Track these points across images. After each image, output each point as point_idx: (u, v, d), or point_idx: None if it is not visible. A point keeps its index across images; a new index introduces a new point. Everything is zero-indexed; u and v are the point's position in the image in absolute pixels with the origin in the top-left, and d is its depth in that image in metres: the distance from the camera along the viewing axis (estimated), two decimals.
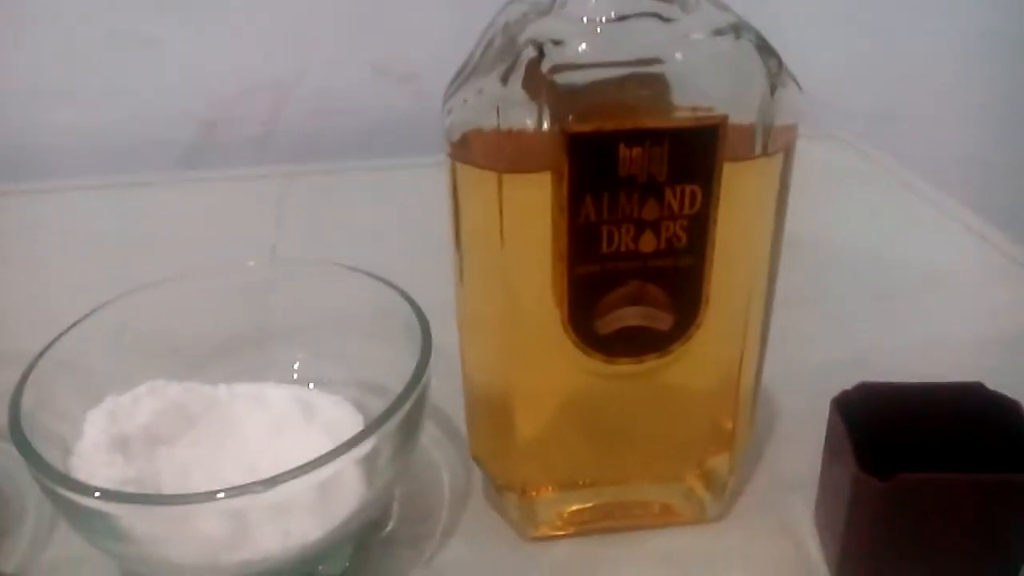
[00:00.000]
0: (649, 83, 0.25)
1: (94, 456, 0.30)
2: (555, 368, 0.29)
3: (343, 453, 0.28)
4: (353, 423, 0.34)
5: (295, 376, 0.36)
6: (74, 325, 0.32)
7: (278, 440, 0.34)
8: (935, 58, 0.67)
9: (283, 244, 0.53)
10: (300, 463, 0.29)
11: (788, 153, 0.27)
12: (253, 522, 0.28)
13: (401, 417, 0.29)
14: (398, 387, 0.33)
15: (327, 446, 0.32)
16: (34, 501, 0.35)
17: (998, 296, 0.47)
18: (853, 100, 0.63)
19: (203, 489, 0.30)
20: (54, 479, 0.27)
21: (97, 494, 0.27)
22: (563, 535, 0.33)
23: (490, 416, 0.32)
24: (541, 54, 0.24)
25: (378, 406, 0.34)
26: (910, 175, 0.59)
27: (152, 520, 0.28)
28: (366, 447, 0.29)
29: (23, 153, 0.62)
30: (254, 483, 0.27)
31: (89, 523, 0.28)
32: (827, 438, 0.31)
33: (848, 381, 0.31)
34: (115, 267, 0.51)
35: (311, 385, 0.36)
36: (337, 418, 0.35)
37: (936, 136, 0.67)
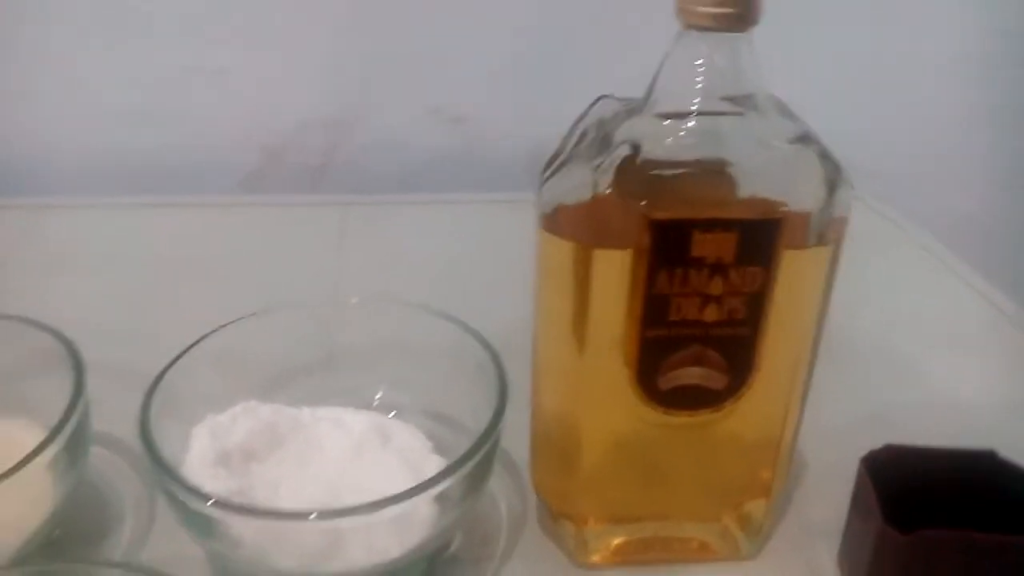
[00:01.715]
0: (723, 178, 0.29)
1: (201, 469, 0.34)
2: (618, 417, 0.33)
3: (425, 490, 0.32)
4: (423, 450, 0.38)
5: (373, 403, 0.40)
6: (185, 351, 0.36)
7: (357, 461, 0.38)
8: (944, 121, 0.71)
9: (340, 270, 0.57)
10: (379, 486, 0.32)
11: (839, 242, 0.31)
12: (344, 539, 0.32)
13: (477, 460, 0.33)
14: (465, 418, 0.37)
15: (401, 470, 0.36)
16: (131, 504, 0.39)
17: (1007, 361, 0.51)
18: (871, 161, 0.67)
19: (291, 503, 0.34)
20: (181, 487, 0.31)
21: (210, 503, 0.31)
22: (611, 564, 0.36)
23: (555, 454, 0.35)
24: (635, 151, 0.28)
25: (445, 433, 0.38)
26: (925, 236, 0.63)
27: (259, 529, 0.31)
28: (444, 484, 0.32)
29: (99, 171, 0.66)
30: (351, 507, 0.31)
31: (207, 529, 0.31)
32: (855, 492, 0.35)
33: (869, 439, 0.35)
34: (182, 284, 0.55)
35: (391, 414, 0.39)
36: (409, 445, 0.38)
37: (946, 197, 0.70)
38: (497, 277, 0.53)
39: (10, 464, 0.32)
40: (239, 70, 0.65)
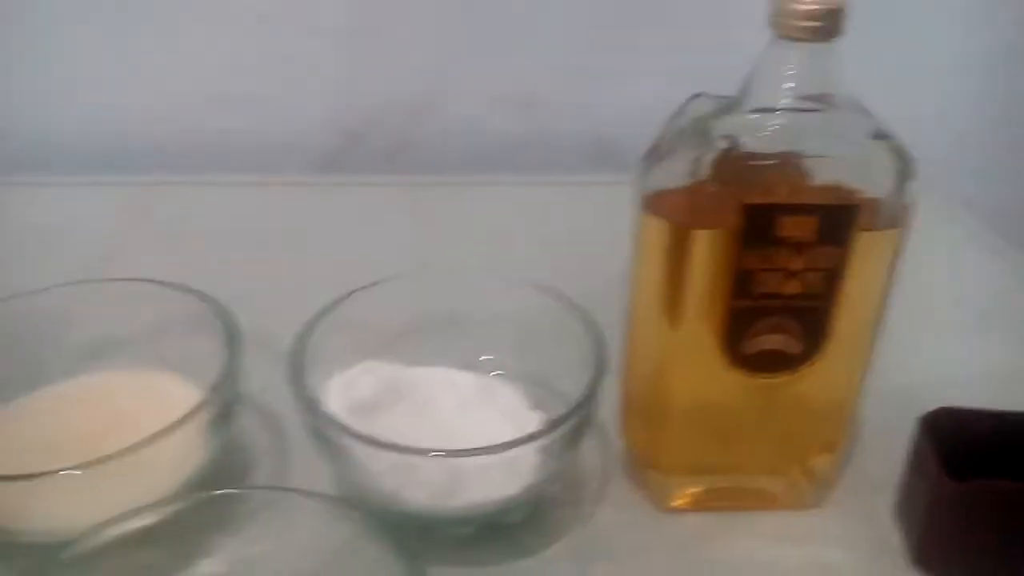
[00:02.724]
0: (807, 168, 0.33)
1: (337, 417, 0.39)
2: (705, 380, 0.37)
3: (536, 438, 0.37)
4: (524, 407, 0.43)
5: (478, 366, 0.45)
6: (319, 316, 0.41)
7: (466, 415, 0.43)
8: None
9: (418, 246, 0.62)
10: (487, 436, 0.37)
11: (906, 226, 0.35)
12: (464, 478, 0.37)
13: (579, 416, 0.38)
14: (561, 380, 0.42)
15: (505, 424, 0.41)
16: (267, 455, 0.44)
17: None
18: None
19: None
20: (331, 424, 0.36)
21: (357, 437, 0.36)
22: (691, 509, 0.41)
23: (646, 413, 0.40)
24: (732, 144, 0.32)
25: (541, 393, 0.43)
26: (972, 221, 0.67)
27: (394, 464, 0.36)
28: (552, 435, 0.37)
29: (187, 151, 0.71)
30: (472, 448, 0.36)
31: (349, 463, 0.37)
32: (912, 448, 0.39)
33: (925, 402, 0.39)
34: (275, 257, 0.60)
35: (495, 371, 0.44)
36: (512, 402, 0.43)
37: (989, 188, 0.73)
38: (565, 253, 0.58)
39: (167, 417, 0.36)
40: (322, 57, 0.69)
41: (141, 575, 0.35)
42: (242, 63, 0.69)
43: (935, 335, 0.54)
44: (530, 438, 0.37)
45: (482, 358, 0.45)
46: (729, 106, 0.34)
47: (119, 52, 0.68)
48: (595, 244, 0.59)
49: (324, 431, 0.36)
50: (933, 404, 0.39)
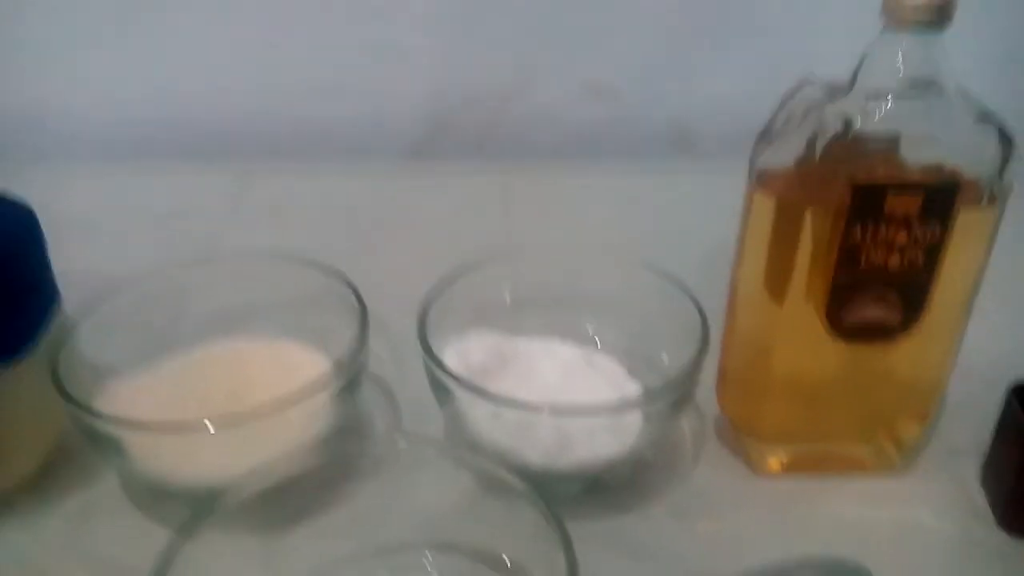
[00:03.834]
0: (913, 149, 0.35)
1: None
2: (806, 351, 0.40)
3: (637, 405, 0.40)
4: (622, 375, 0.46)
5: (586, 336, 0.47)
6: (440, 289, 0.44)
7: (569, 381, 0.45)
8: None
9: (507, 228, 0.65)
10: (590, 400, 0.40)
11: (1004, 205, 0.37)
12: (572, 438, 0.40)
13: (681, 387, 0.40)
14: (658, 352, 0.45)
15: (606, 390, 0.44)
16: (379, 417, 0.47)
17: None
18: None
19: None
20: (463, 384, 0.39)
21: (484, 399, 0.39)
22: (783, 473, 0.44)
23: (746, 383, 0.43)
24: (846, 127, 0.34)
25: (642, 366, 0.46)
26: None
27: (512, 420, 0.39)
28: (652, 404, 0.40)
29: (284, 139, 0.74)
30: (580, 408, 0.39)
31: (471, 424, 0.40)
32: (1001, 417, 0.41)
33: (1009, 375, 0.41)
34: (370, 239, 0.64)
35: (597, 343, 0.47)
36: (611, 370, 0.46)
37: None
38: (653, 236, 0.60)
39: (296, 383, 0.39)
40: (411, 45, 0.72)
41: (284, 523, 0.38)
42: (333, 52, 0.72)
43: (1022, 311, 0.55)
44: (636, 403, 0.40)
45: (584, 331, 0.48)
46: (840, 91, 0.36)
47: (221, 40, 0.71)
48: (679, 228, 0.61)
49: (448, 388, 0.39)
50: (1018, 376, 0.41)
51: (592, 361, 0.46)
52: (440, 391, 0.40)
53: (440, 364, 0.39)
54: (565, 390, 0.45)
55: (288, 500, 0.38)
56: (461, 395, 0.39)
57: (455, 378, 0.39)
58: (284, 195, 0.69)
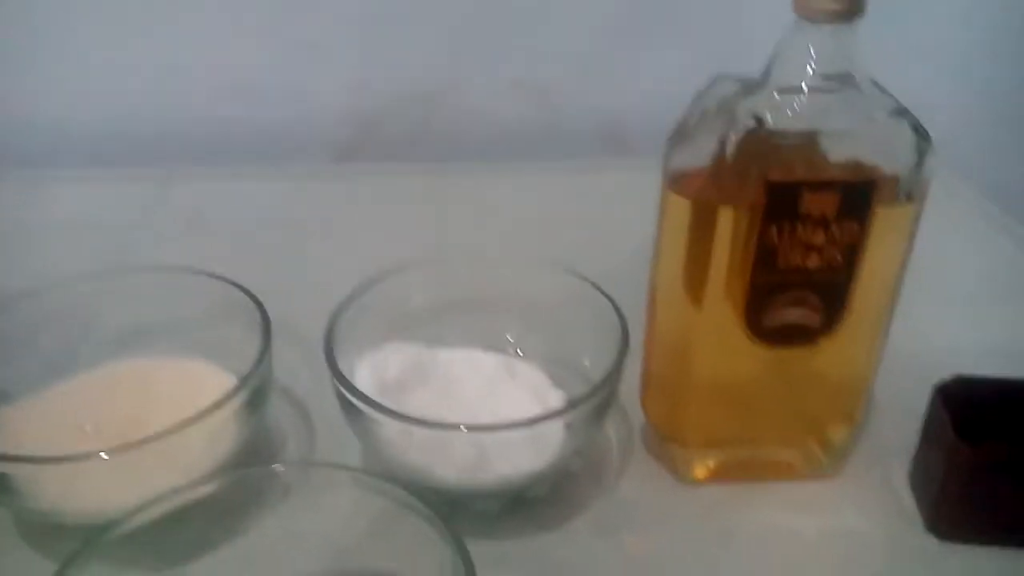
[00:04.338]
0: (828, 145, 0.34)
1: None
2: (726, 353, 0.38)
3: (561, 414, 0.38)
4: (546, 385, 0.44)
5: (501, 346, 0.46)
6: (349, 299, 0.42)
7: (490, 394, 0.43)
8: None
9: (438, 231, 0.63)
10: (512, 414, 0.38)
11: (923, 201, 0.36)
12: (490, 454, 0.38)
13: (603, 393, 0.39)
14: (581, 358, 0.43)
15: (529, 401, 0.42)
16: (293, 435, 0.45)
17: None
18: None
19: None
20: (371, 404, 0.37)
21: (392, 418, 0.37)
22: (711, 481, 0.42)
23: (668, 388, 0.41)
24: (758, 123, 0.33)
25: (562, 372, 0.44)
26: (978, 198, 0.68)
27: (424, 439, 0.37)
28: (576, 412, 0.38)
29: (201, 143, 0.71)
30: (498, 423, 0.37)
31: (381, 440, 0.38)
32: (927, 416, 0.40)
33: (936, 371, 0.40)
34: (297, 246, 0.61)
35: (518, 351, 0.45)
36: (534, 381, 0.44)
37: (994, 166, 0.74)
38: (581, 236, 0.59)
39: (201, 402, 0.37)
40: (337, 47, 0.70)
41: (181, 553, 0.36)
42: (257, 53, 0.70)
43: (945, 308, 0.55)
44: (556, 414, 0.38)
45: (505, 338, 0.46)
46: (753, 87, 0.35)
47: (133, 41, 0.68)
48: (609, 226, 0.60)
49: (357, 408, 0.37)
50: (944, 375, 0.40)
51: (514, 371, 0.44)
52: (349, 411, 0.38)
53: (345, 382, 0.37)
54: (486, 402, 0.43)
55: (185, 530, 0.35)
56: (370, 414, 0.37)
57: (362, 397, 0.37)
58: (202, 203, 0.66)
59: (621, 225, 0.57)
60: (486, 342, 0.45)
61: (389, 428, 0.37)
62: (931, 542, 0.39)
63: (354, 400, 0.37)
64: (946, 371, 0.40)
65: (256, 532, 0.36)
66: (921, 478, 0.41)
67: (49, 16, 0.67)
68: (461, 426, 0.37)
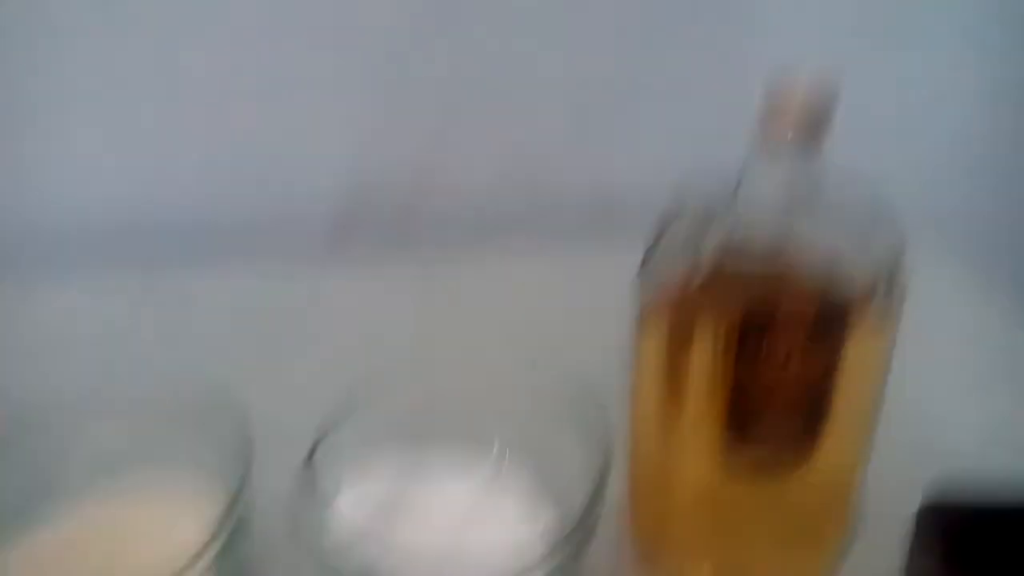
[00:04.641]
0: (799, 272, 0.34)
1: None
2: (706, 480, 0.37)
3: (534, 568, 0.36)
4: (528, 512, 0.42)
5: (485, 455, 0.44)
6: (324, 436, 0.40)
7: (465, 530, 0.41)
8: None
9: (423, 330, 0.61)
10: (499, 540, 0.37)
11: (901, 303, 0.35)
12: None
13: (581, 536, 0.37)
14: (575, 465, 0.41)
15: (510, 536, 0.40)
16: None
17: None
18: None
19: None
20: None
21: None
22: None
23: (652, 510, 0.41)
24: (722, 258, 0.33)
25: (551, 490, 0.42)
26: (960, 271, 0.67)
27: None
28: (554, 559, 0.37)
29: (179, 236, 0.70)
30: None
31: None
32: (911, 542, 0.38)
33: (916, 474, 0.38)
34: (272, 347, 0.59)
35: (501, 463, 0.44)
36: (514, 508, 0.42)
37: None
38: (573, 332, 0.58)
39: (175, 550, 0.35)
40: (316, 136, 0.69)
41: None
42: (234, 142, 0.69)
43: (935, 400, 0.53)
44: (535, 563, 0.37)
45: (490, 447, 0.44)
46: (718, 213, 0.34)
47: (102, 133, 0.67)
48: (607, 317, 0.58)
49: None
50: (939, 473, 0.38)
51: (495, 497, 0.43)
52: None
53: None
54: (462, 540, 0.41)
55: None
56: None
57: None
58: (180, 305, 0.64)
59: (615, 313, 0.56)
60: (469, 452, 0.44)
61: None
62: None
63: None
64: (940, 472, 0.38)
65: None
66: None
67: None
68: None
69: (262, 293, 0.66)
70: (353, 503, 0.40)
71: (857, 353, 0.35)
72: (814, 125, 0.31)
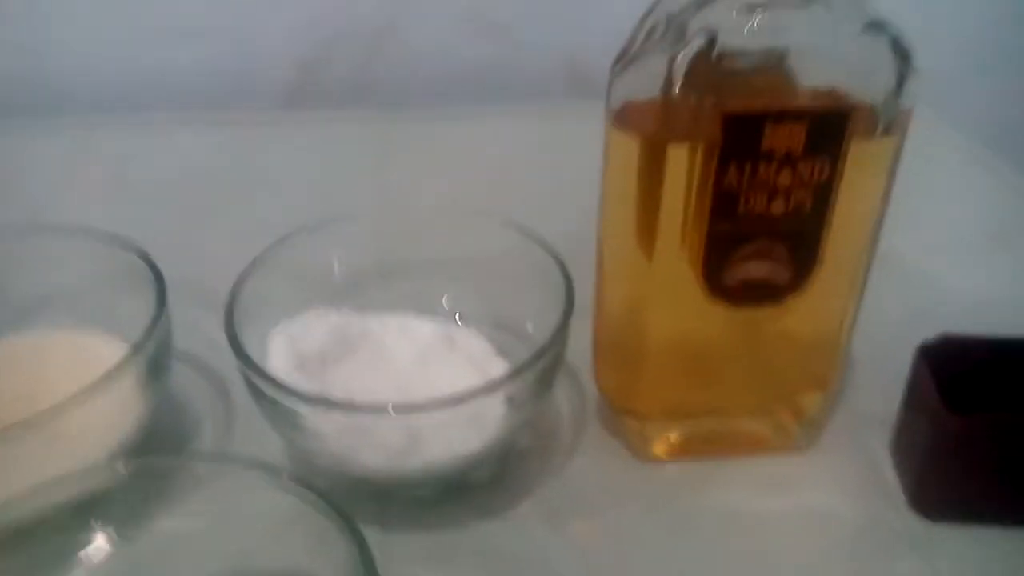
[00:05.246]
0: (794, 69, 0.29)
1: (282, 373, 0.35)
2: (683, 314, 0.34)
3: (498, 388, 0.33)
4: (488, 353, 0.39)
5: (438, 310, 0.41)
6: (258, 260, 0.37)
7: (425, 365, 0.39)
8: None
9: (385, 182, 0.57)
10: (449, 387, 0.34)
11: (904, 133, 0.31)
12: (423, 435, 0.33)
13: (547, 360, 0.34)
14: (526, 322, 0.38)
15: (469, 372, 0.38)
16: (209, 415, 0.40)
17: None
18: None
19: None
20: (272, 385, 0.32)
21: (302, 398, 0.32)
22: (672, 457, 0.38)
23: (620, 353, 0.37)
24: (710, 44, 0.28)
25: (506, 337, 0.40)
26: (964, 137, 0.63)
27: (344, 425, 0.33)
28: (517, 383, 0.34)
29: (129, 89, 0.66)
30: (428, 402, 0.32)
31: (296, 425, 0.33)
32: (910, 381, 0.36)
33: (918, 332, 0.36)
34: (231, 199, 0.56)
35: (457, 316, 0.41)
36: (474, 348, 0.40)
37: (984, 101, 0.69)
38: (543, 186, 0.54)
39: (96, 378, 0.33)
40: None
41: (65, 552, 0.31)
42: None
43: (930, 258, 0.50)
44: (492, 387, 0.34)
45: (442, 302, 0.41)
46: (702, 4, 0.30)
47: None
48: (574, 175, 0.55)
49: (265, 392, 0.32)
50: (929, 334, 0.36)
51: (453, 339, 0.40)
52: (255, 393, 0.33)
53: (247, 359, 0.32)
54: (420, 376, 0.38)
55: (74, 526, 0.31)
56: (276, 396, 0.32)
57: (265, 377, 0.32)
58: (129, 153, 0.61)
59: (583, 174, 0.53)
60: (423, 306, 0.40)
61: (303, 413, 0.33)
62: (915, 522, 0.35)
63: (257, 381, 0.32)
64: (932, 329, 0.36)
65: (149, 531, 0.32)
66: (904, 451, 0.37)
67: None
68: (383, 410, 0.32)
69: (218, 148, 0.62)
70: (290, 344, 0.36)
71: (856, 173, 0.31)
72: None
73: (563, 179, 0.53)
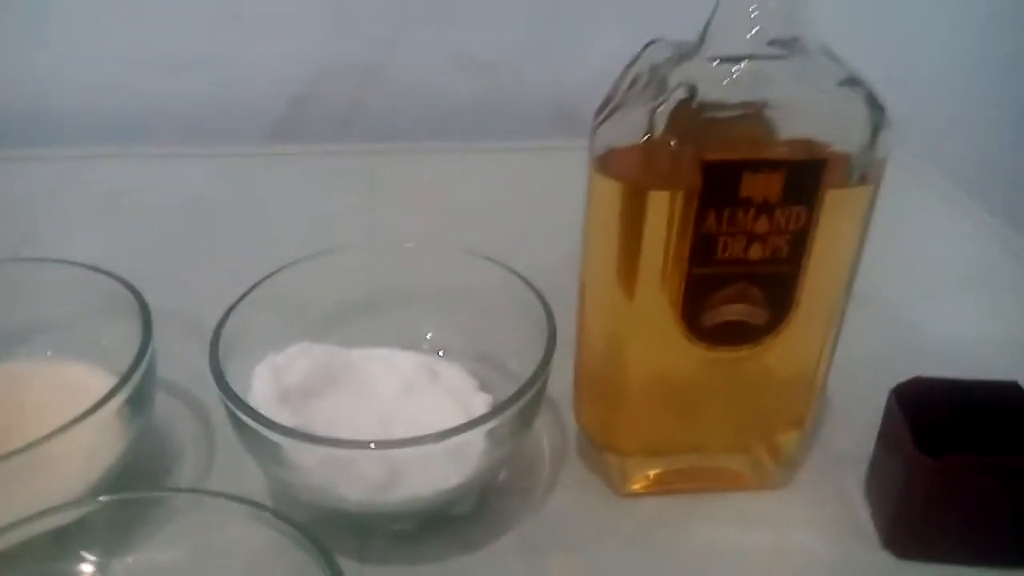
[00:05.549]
0: (772, 120, 0.30)
1: (264, 406, 0.35)
2: (663, 353, 0.34)
3: (480, 424, 0.34)
4: (470, 388, 0.40)
5: (421, 345, 0.41)
6: (246, 295, 0.37)
7: (408, 399, 0.39)
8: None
9: (372, 217, 0.58)
10: (431, 421, 0.34)
11: (878, 182, 0.32)
12: (403, 470, 0.34)
13: (529, 396, 0.34)
14: (509, 357, 0.39)
15: (451, 407, 0.38)
16: (192, 445, 0.41)
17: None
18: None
19: (349, 437, 0.35)
20: (253, 417, 0.32)
21: (281, 432, 0.32)
22: (651, 493, 0.38)
23: (600, 390, 0.37)
24: (690, 95, 0.29)
25: (489, 372, 0.40)
26: (941, 180, 0.65)
27: (324, 458, 0.33)
28: (499, 419, 0.34)
29: (122, 121, 0.66)
30: (410, 438, 0.32)
31: (277, 458, 0.33)
32: (883, 421, 0.37)
33: (893, 373, 0.37)
34: (218, 232, 0.57)
35: (439, 354, 0.41)
36: (457, 383, 0.40)
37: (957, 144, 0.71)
38: (527, 223, 0.55)
39: (80, 409, 0.33)
40: (267, 17, 0.65)
41: None
42: (184, 25, 0.64)
43: (905, 303, 0.51)
44: (474, 423, 0.34)
45: (426, 337, 0.42)
46: (687, 52, 0.30)
47: (46, 14, 0.63)
48: (558, 212, 0.56)
49: (247, 424, 0.33)
50: (904, 375, 0.37)
51: (436, 373, 0.40)
52: (237, 425, 0.34)
53: (229, 392, 0.33)
54: (403, 410, 0.38)
55: (53, 557, 0.31)
56: (259, 430, 0.33)
57: (249, 411, 0.33)
58: (119, 185, 0.61)
59: (567, 211, 0.54)
60: (406, 341, 0.41)
61: (283, 446, 0.33)
62: (888, 560, 0.36)
63: (239, 413, 0.32)
64: (906, 373, 0.37)
65: (128, 563, 0.32)
66: (877, 490, 0.37)
67: None
68: (363, 445, 0.32)
69: (207, 180, 0.62)
70: (274, 377, 0.37)
71: (832, 220, 0.31)
72: None
73: (547, 216, 0.54)
